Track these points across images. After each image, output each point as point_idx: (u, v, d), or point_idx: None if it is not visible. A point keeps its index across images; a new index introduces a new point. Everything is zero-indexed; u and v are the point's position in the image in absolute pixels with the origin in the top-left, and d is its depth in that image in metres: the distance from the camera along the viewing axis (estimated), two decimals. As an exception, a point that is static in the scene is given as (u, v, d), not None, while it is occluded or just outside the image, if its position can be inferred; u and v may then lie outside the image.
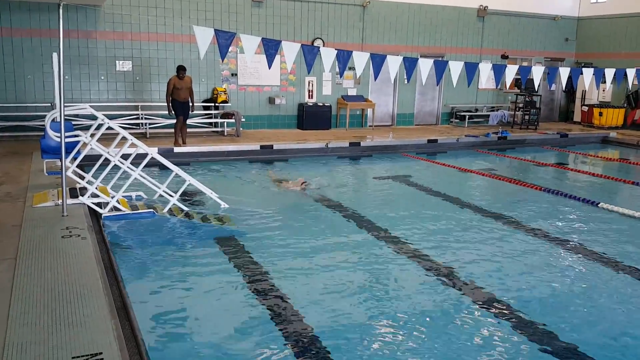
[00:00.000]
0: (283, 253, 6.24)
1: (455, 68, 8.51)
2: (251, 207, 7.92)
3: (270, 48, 7.06)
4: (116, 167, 7.15)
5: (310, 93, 15.23)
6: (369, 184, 10.18)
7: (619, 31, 17.59)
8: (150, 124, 12.90)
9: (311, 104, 14.99)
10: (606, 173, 11.43)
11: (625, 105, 17.50)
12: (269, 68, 7.35)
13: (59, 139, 6.56)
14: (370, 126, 15.96)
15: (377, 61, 7.84)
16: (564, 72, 9.36)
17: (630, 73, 9.81)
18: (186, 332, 4.39)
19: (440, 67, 8.50)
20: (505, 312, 4.87)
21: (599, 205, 8.57)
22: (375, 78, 7.99)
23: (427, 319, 4.73)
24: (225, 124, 13.46)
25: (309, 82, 15.15)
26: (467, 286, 5.42)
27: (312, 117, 14.90)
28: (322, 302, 5.01)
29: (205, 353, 4.09)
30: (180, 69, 11.44)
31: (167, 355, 4.05)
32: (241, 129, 13.42)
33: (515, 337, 4.43)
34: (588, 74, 9.55)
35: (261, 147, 12.25)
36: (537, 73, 9.37)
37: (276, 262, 5.92)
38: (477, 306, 4.97)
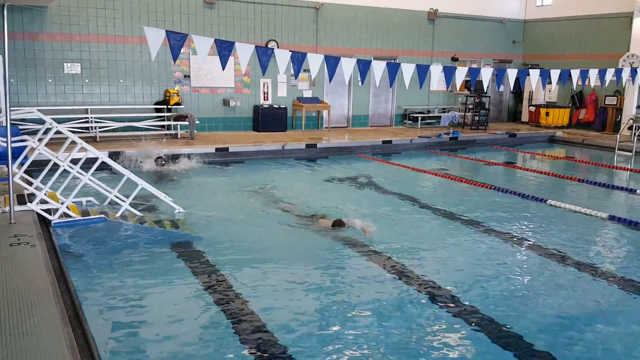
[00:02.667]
0: (240, 256, 6.19)
1: (407, 70, 8.65)
2: (207, 211, 7.84)
3: (224, 49, 7.00)
4: (65, 172, 6.95)
5: (266, 95, 15.20)
6: (326, 185, 10.23)
7: (564, 33, 18.26)
8: (100, 127, 12.59)
9: (266, 106, 14.96)
10: (553, 171, 11.85)
11: (570, 105, 18.17)
12: (223, 69, 7.30)
13: (5, 144, 6.33)
14: (326, 128, 16.04)
15: (332, 63, 7.88)
16: (512, 74, 9.63)
17: (575, 74, 10.19)
18: (142, 340, 4.31)
19: (393, 69, 8.62)
20: (462, 307, 4.99)
21: (547, 202, 8.88)
22: (330, 80, 8.03)
23: (387, 317, 4.80)
24: (179, 126, 13.27)
25: (264, 84, 15.11)
26: (419, 280, 5.53)
27: (267, 119, 14.86)
28: (282, 304, 5.02)
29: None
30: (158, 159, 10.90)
31: (123, 363, 3.97)
32: (195, 131, 13.26)
33: (468, 331, 4.56)
34: (535, 75, 9.85)
35: (216, 149, 12.14)
36: (486, 75, 9.62)
37: (233, 266, 5.88)
38: (429, 299, 5.09)
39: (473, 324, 4.67)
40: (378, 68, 8.38)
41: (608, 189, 10.32)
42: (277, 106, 15.08)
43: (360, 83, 8.67)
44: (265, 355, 4.09)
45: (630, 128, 15.08)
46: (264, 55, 7.26)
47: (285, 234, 7.09)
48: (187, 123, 13.16)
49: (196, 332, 4.44)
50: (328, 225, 7.20)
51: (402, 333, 4.51)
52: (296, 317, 4.74)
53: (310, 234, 7.06)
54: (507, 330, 4.59)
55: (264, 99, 15.19)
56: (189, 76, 14.11)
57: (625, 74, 10.68)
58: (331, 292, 5.33)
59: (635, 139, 13.87)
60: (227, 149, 12.23)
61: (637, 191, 9.92)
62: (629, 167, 12.65)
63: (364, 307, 4.96)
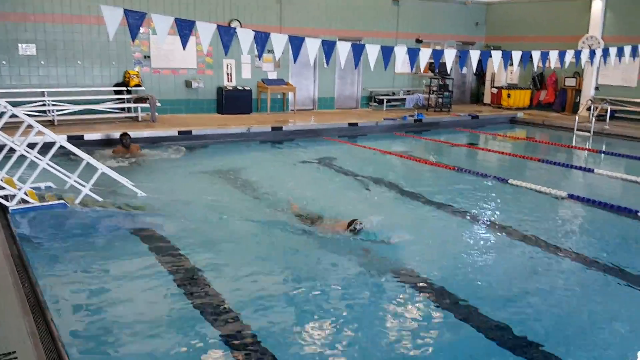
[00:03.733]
0: (204, 240, 6.13)
1: (372, 51, 8.64)
2: (169, 195, 7.71)
3: (184, 29, 6.84)
4: (22, 157, 6.73)
5: (229, 76, 14.97)
6: (292, 168, 10.18)
7: (525, 16, 18.51)
8: (58, 110, 12.20)
9: (230, 88, 14.74)
10: (515, 151, 12.08)
11: (531, 86, 18.52)
12: (184, 49, 7.13)
13: (-45, 128, 6.08)
14: (291, 110, 15.93)
15: (296, 44, 7.80)
16: (474, 55, 9.70)
17: (535, 55, 10.33)
18: (105, 325, 4.23)
19: (358, 51, 8.59)
20: (427, 288, 5.06)
21: (508, 181, 9.06)
22: (295, 61, 7.96)
23: (354, 302, 4.83)
24: (139, 109, 12.96)
25: (227, 65, 14.87)
26: (384, 260, 5.57)
27: (232, 101, 14.64)
28: (248, 287, 5.00)
29: (125, 345, 3.97)
30: (122, 137, 10.16)
31: (87, 349, 3.89)
32: (157, 114, 12.98)
33: (437, 312, 4.64)
34: (496, 56, 9.95)
35: (179, 132, 11.93)
36: (449, 56, 9.68)
37: (197, 250, 5.81)
38: (396, 283, 5.14)
39: (438, 303, 4.75)
40: (343, 49, 8.33)
41: (567, 169, 10.59)
42: (241, 88, 14.88)
43: (325, 64, 8.62)
44: (234, 338, 4.07)
45: (588, 109, 15.48)
46: (226, 35, 7.13)
47: (250, 217, 7.02)
48: (147, 105, 12.86)
49: (160, 316, 4.39)
50: (339, 227, 6.23)
51: (372, 314, 4.55)
52: (262, 300, 4.73)
53: (277, 217, 7.02)
54: (469, 306, 4.68)
55: (228, 81, 14.97)
56: (149, 57, 13.78)
57: (584, 56, 10.90)
58: (297, 275, 5.33)
59: (593, 119, 14.24)
60: (190, 132, 12.03)
61: (595, 170, 10.20)
62: (587, 147, 12.99)
63: (334, 291, 4.98)
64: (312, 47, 7.92)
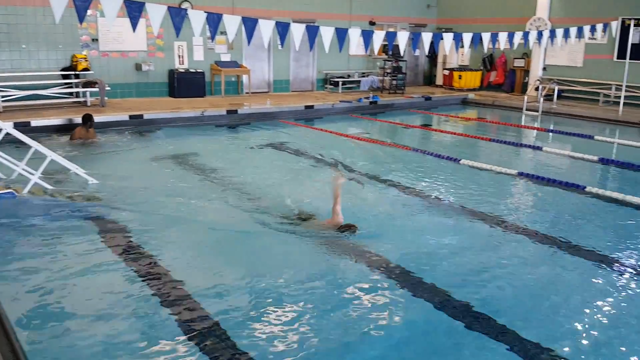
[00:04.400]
0: (159, 227, 6.04)
1: (327, 33, 8.63)
2: (122, 181, 7.54)
3: (134, 10, 6.66)
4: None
5: (181, 59, 14.66)
6: (249, 152, 10.11)
7: (475, -2, 18.84)
8: (2, 96, 11.70)
9: (183, 70, 14.44)
10: (466, 132, 12.34)
11: (481, 68, 18.88)
12: (134, 31, 6.95)
13: None
14: (246, 93, 15.76)
15: (249, 25, 7.70)
16: (427, 38, 9.81)
17: (485, 37, 10.53)
18: (62, 319, 4.13)
19: (312, 33, 8.56)
20: (386, 267, 5.15)
21: (460, 162, 9.26)
22: (249, 43, 7.87)
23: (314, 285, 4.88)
24: (88, 93, 12.56)
25: (178, 47, 14.55)
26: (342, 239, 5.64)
27: (184, 84, 14.36)
28: (206, 273, 4.97)
29: (84, 339, 3.88)
30: (88, 119, 9.92)
31: (45, 346, 3.80)
32: (106, 98, 12.62)
33: (396, 291, 4.73)
34: (448, 38, 10.10)
35: (130, 117, 11.64)
36: (402, 39, 9.76)
37: (151, 237, 5.73)
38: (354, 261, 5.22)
39: (395, 279, 4.85)
40: (297, 31, 8.28)
41: (517, 147, 10.90)
42: (194, 70, 14.60)
43: (280, 46, 8.55)
44: (196, 328, 4.05)
45: (536, 89, 15.93)
46: (177, 16, 6.98)
47: (207, 203, 6.96)
48: (96, 90, 12.49)
49: (117, 305, 4.31)
50: (329, 227, 5.88)
51: (332, 299, 4.61)
52: (222, 287, 4.71)
53: (234, 203, 6.98)
54: (425, 283, 4.80)
55: (180, 63, 14.66)
56: (97, 40, 13.33)
57: (532, 37, 11.17)
58: (257, 260, 5.33)
59: (542, 99, 14.66)
60: (141, 116, 11.75)
61: (543, 148, 10.54)
62: (535, 126, 13.39)
63: (295, 277, 5.01)
64: (265, 28, 7.84)
